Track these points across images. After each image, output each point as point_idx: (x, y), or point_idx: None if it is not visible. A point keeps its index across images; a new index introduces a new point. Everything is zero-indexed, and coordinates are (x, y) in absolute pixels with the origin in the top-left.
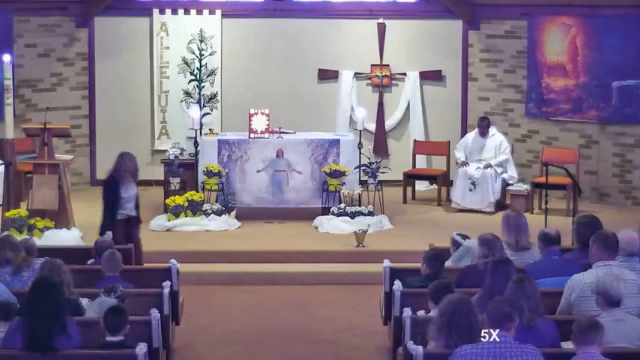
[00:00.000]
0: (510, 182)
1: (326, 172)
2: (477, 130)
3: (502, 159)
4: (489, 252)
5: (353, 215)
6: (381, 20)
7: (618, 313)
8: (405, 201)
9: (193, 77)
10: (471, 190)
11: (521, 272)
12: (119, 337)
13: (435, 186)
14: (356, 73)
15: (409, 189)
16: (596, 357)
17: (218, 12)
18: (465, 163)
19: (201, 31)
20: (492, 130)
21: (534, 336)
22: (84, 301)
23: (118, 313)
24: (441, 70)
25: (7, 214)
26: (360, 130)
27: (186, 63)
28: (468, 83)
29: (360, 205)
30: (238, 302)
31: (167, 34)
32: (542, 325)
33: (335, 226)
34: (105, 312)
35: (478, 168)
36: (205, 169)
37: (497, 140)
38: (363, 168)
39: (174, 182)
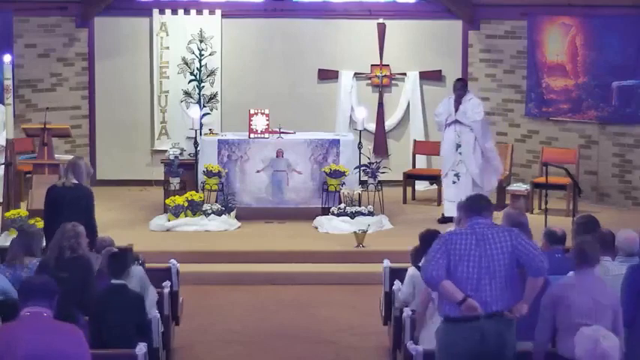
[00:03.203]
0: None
1: (326, 172)
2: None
3: (471, 121)
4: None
5: (353, 215)
6: (381, 20)
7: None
8: (405, 201)
9: (193, 77)
10: (454, 182)
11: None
12: (122, 281)
13: (435, 186)
14: (356, 73)
15: (409, 189)
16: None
17: (218, 12)
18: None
19: (201, 31)
20: (470, 94)
21: None
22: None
23: (119, 257)
24: (441, 70)
25: (7, 214)
26: (360, 130)
27: (186, 63)
28: (468, 83)
29: (360, 205)
30: (238, 302)
31: (167, 34)
32: None
33: (335, 226)
34: (107, 257)
35: (458, 146)
36: (205, 169)
37: (473, 103)
38: (363, 168)
39: (174, 182)
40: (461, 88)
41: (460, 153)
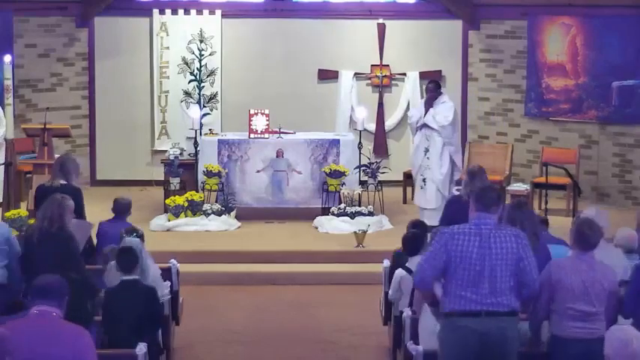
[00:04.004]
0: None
1: (326, 172)
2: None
3: (439, 125)
4: (470, 182)
5: (353, 215)
6: (381, 20)
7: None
8: (405, 201)
9: (193, 77)
10: (422, 187)
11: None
12: (134, 276)
13: None
14: (356, 73)
15: (409, 189)
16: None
17: (218, 12)
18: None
19: (201, 32)
20: (443, 97)
21: None
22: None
23: (129, 254)
24: (441, 70)
25: (7, 214)
26: (360, 130)
27: (186, 63)
28: (468, 83)
29: (360, 205)
30: (238, 302)
31: (167, 34)
32: (538, 251)
33: (335, 227)
34: (116, 254)
35: (426, 151)
36: (205, 169)
37: (444, 107)
38: (363, 168)
39: (174, 182)
40: (432, 90)
41: (428, 158)
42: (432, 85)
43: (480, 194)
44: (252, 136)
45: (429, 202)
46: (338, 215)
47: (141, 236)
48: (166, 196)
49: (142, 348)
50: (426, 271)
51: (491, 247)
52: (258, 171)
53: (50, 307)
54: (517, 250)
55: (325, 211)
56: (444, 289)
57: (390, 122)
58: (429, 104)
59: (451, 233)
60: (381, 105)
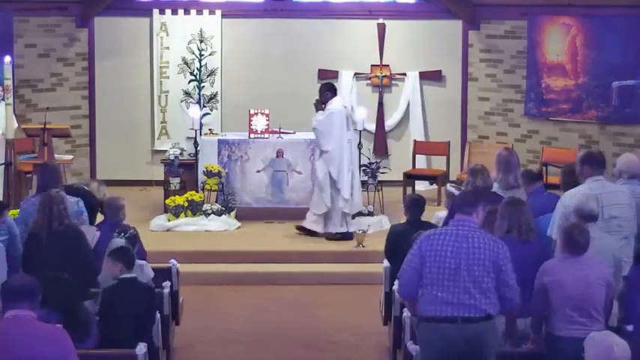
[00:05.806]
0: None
1: None
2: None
3: (312, 127)
4: (471, 181)
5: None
6: (381, 20)
7: (592, 230)
8: (405, 201)
9: (193, 77)
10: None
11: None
12: (132, 274)
13: (435, 186)
14: (356, 73)
15: (409, 189)
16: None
17: (218, 12)
18: None
19: (201, 32)
20: (332, 102)
21: (528, 250)
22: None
23: (125, 251)
24: (441, 70)
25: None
26: (360, 130)
27: (186, 63)
28: (468, 83)
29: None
30: (238, 302)
31: (167, 34)
32: (536, 243)
33: None
34: (115, 252)
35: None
36: (205, 169)
37: (323, 112)
38: (363, 168)
39: (174, 182)
40: (321, 92)
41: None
42: (324, 87)
43: (458, 198)
44: (252, 136)
45: (312, 207)
46: None
47: (131, 237)
48: (166, 196)
49: (141, 348)
50: (405, 277)
51: (468, 247)
52: (258, 171)
53: (23, 310)
54: (496, 256)
55: None
56: (421, 291)
57: (390, 122)
58: (317, 107)
59: (427, 235)
60: (381, 105)
